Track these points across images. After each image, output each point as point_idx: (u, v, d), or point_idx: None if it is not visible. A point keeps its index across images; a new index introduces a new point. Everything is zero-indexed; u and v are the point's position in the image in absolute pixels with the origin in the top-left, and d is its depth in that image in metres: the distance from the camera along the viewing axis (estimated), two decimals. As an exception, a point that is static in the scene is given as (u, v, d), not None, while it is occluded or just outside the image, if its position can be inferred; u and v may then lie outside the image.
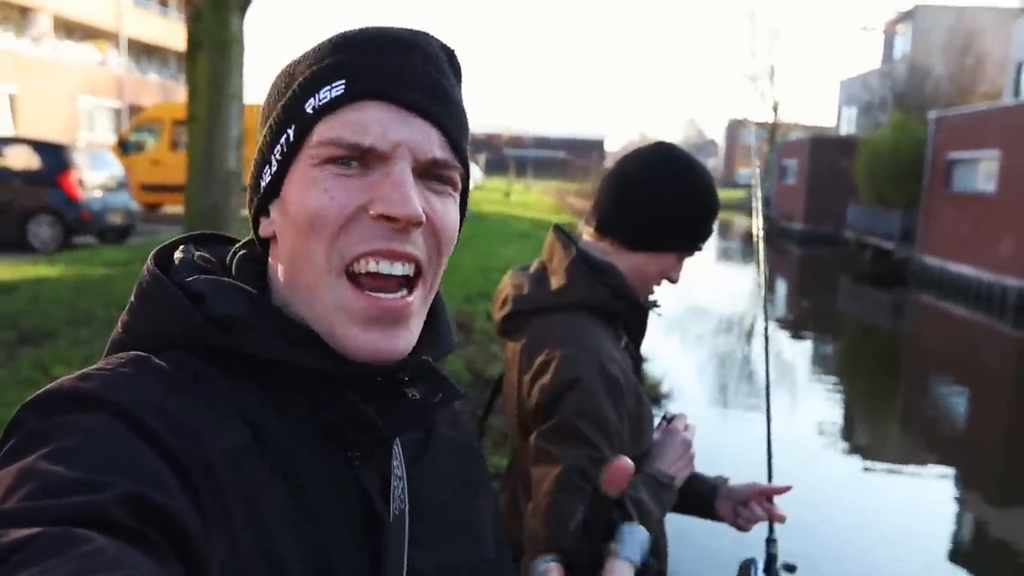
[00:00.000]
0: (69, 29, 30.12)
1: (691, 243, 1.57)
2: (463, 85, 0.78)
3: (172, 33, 33.22)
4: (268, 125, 0.74)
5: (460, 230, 0.78)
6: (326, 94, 0.69)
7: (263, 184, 0.74)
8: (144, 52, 34.89)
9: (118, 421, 0.57)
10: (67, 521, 0.48)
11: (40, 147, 12.80)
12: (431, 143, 0.70)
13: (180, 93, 31.35)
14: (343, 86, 0.69)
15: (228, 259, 0.78)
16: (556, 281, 1.55)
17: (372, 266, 0.68)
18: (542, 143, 74.02)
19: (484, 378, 6.14)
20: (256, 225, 0.77)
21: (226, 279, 0.72)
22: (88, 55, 30.29)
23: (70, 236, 12.81)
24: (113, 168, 13.87)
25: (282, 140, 0.71)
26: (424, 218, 0.68)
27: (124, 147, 18.21)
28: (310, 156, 0.69)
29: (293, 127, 0.70)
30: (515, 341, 1.57)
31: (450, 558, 0.80)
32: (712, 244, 29.92)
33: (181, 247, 0.77)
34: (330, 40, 0.73)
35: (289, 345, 0.68)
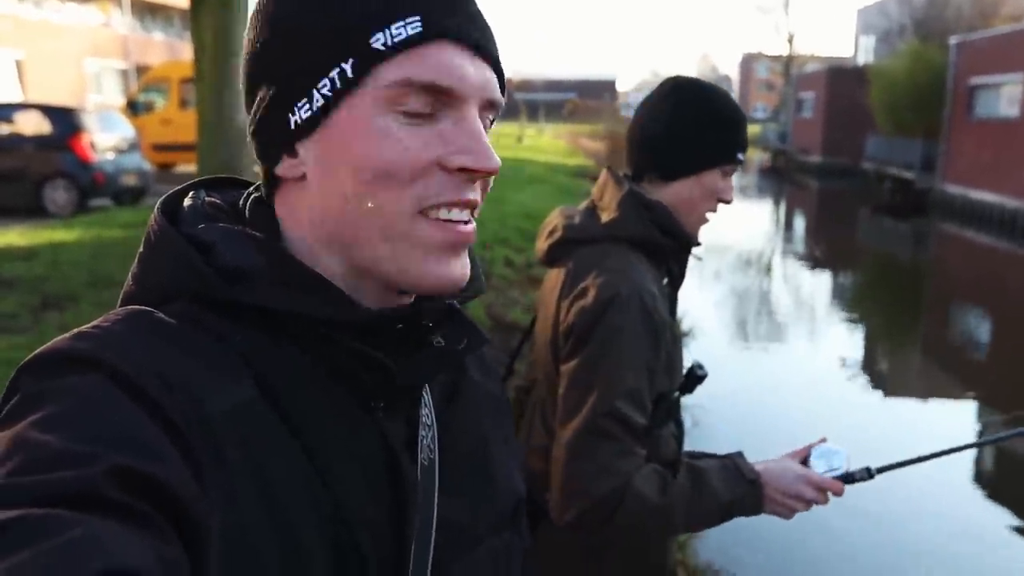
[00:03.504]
0: (71, -10, 29.83)
1: (724, 155, 1.56)
2: None
3: (174, -10, 32.83)
4: (297, 48, 0.66)
5: None
6: (400, 31, 0.63)
7: (296, 120, 0.66)
8: (148, 11, 34.52)
9: (112, 383, 0.54)
10: (54, 500, 0.46)
11: (50, 111, 12.74)
12: (492, 85, 0.68)
13: (186, 51, 31.03)
14: (419, 23, 0.64)
15: (241, 203, 0.74)
16: (607, 215, 1.58)
17: (445, 213, 0.67)
18: (553, 86, 73.12)
19: (503, 324, 6.15)
20: (273, 163, 0.70)
21: (236, 227, 0.68)
22: (92, 16, 30.03)
23: (85, 199, 12.83)
24: (124, 129, 13.81)
25: (332, 74, 0.64)
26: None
27: (133, 108, 18.13)
28: (375, 97, 0.64)
29: (351, 62, 0.64)
30: (558, 269, 1.61)
31: (484, 503, 0.78)
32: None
33: (191, 194, 0.73)
34: None
35: (302, 295, 0.65)
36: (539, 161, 24.36)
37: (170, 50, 33.05)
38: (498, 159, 0.67)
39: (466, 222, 0.69)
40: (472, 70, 0.66)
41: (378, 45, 0.63)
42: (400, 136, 0.64)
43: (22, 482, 0.47)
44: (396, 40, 0.63)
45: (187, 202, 0.72)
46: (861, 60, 40.54)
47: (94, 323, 0.61)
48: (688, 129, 1.55)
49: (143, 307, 0.63)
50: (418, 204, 0.66)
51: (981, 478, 6.03)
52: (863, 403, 7.46)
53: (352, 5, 0.64)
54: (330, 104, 0.65)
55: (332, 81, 0.64)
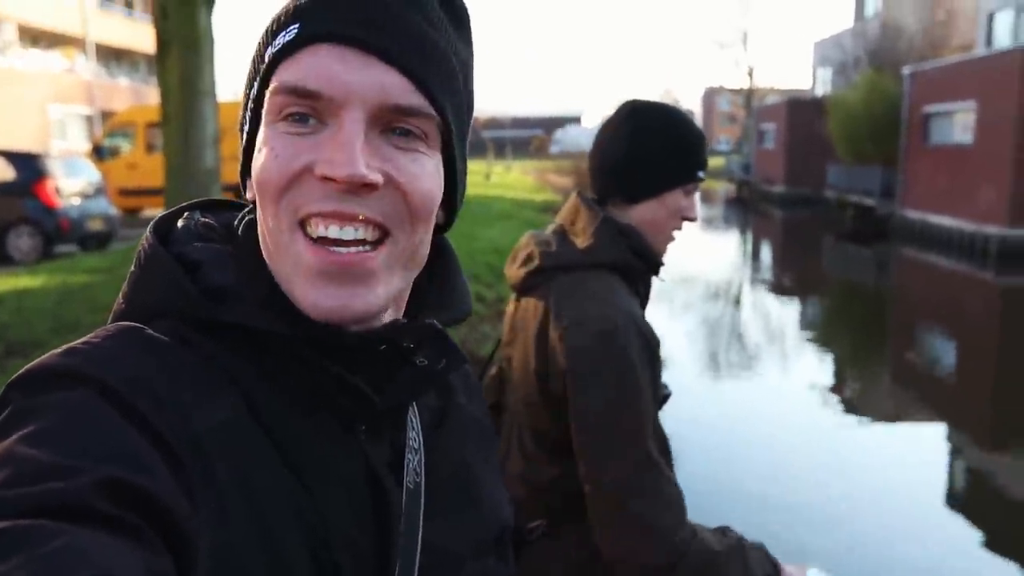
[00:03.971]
0: (35, 37, 29.71)
1: (685, 175, 1.60)
2: (468, 34, 0.73)
3: (139, 35, 32.87)
4: (246, 81, 0.70)
5: (458, 193, 0.75)
6: (280, 39, 0.64)
7: (241, 146, 0.71)
8: (112, 56, 34.48)
9: (100, 398, 0.54)
10: (42, 511, 0.46)
11: (13, 157, 12.62)
12: (392, 88, 0.63)
13: (152, 96, 31.02)
14: (296, 29, 0.64)
15: (236, 223, 0.75)
16: (582, 241, 1.58)
17: (322, 230, 0.63)
18: (520, 123, 73.81)
19: (476, 359, 6.16)
20: (244, 186, 0.73)
21: (224, 247, 0.70)
22: (56, 63, 29.90)
23: (50, 246, 12.68)
24: (89, 174, 13.71)
25: (250, 94, 0.68)
26: (371, 178, 0.62)
27: (99, 153, 18.03)
28: (267, 110, 0.65)
29: (257, 79, 0.67)
30: (537, 297, 1.60)
31: (469, 527, 0.78)
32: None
33: (185, 214, 0.74)
34: None
35: (277, 315, 0.65)
36: (507, 197, 24.51)
37: (135, 95, 32.94)
38: (360, 170, 0.61)
39: (349, 243, 0.64)
40: (352, 73, 0.63)
41: (267, 57, 0.65)
42: (274, 145, 0.64)
43: (8, 495, 0.47)
44: (276, 49, 0.64)
45: (180, 222, 0.73)
46: (819, 91, 41.47)
47: (83, 339, 0.61)
48: (649, 152, 1.58)
49: (132, 323, 0.64)
50: (293, 215, 0.64)
51: (983, 525, 6.09)
52: (834, 428, 7.53)
53: (266, 32, 0.68)
54: (253, 125, 0.68)
55: (249, 101, 0.68)
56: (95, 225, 13.32)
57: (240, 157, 0.72)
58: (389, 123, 0.65)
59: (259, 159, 0.65)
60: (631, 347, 1.45)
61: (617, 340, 1.45)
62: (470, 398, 0.88)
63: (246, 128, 0.70)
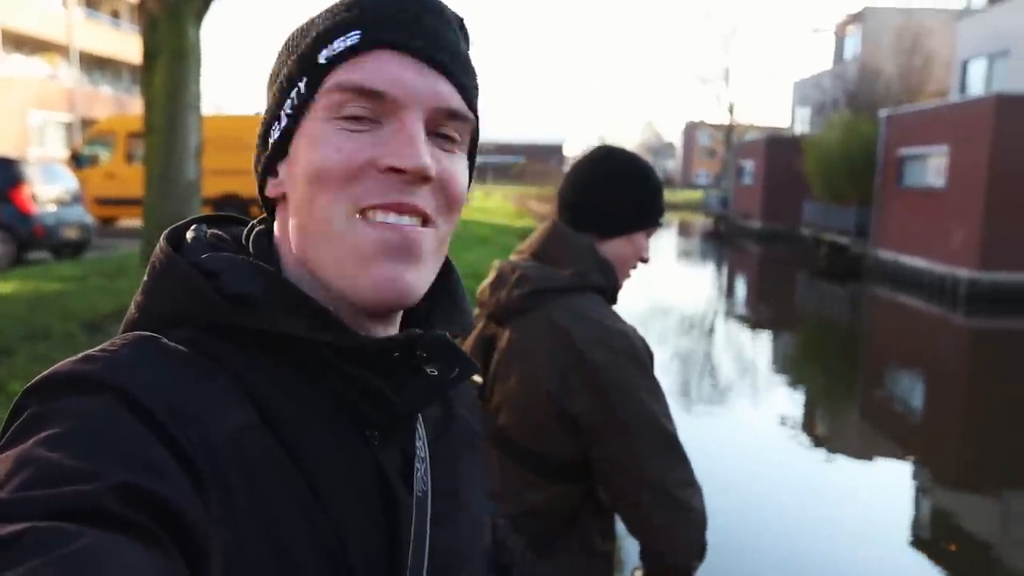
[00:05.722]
0: (18, 43, 29.53)
1: (652, 219, 1.76)
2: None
3: (124, 45, 32.79)
4: (279, 82, 0.73)
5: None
6: (340, 44, 0.69)
7: (271, 141, 0.72)
8: (96, 65, 34.31)
9: (118, 405, 0.55)
10: (59, 514, 0.47)
11: (-10, 162, 12.52)
12: (446, 95, 0.70)
13: (134, 106, 30.93)
14: (358, 35, 0.68)
15: (244, 235, 0.77)
16: (567, 266, 1.67)
17: (381, 217, 0.68)
18: (502, 149, 74.14)
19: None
20: (263, 187, 0.75)
21: (240, 256, 0.70)
22: (38, 69, 29.72)
23: (24, 252, 12.53)
24: (67, 182, 13.58)
25: (293, 94, 0.70)
26: (432, 172, 0.68)
27: (78, 161, 17.88)
28: (321, 108, 0.69)
29: (305, 79, 0.70)
30: (534, 320, 1.63)
31: (467, 540, 0.80)
32: (672, 244, 29.92)
33: (193, 227, 0.75)
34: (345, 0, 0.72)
35: (304, 320, 0.67)
36: (486, 223, 24.59)
37: (117, 104, 32.80)
38: (428, 162, 0.67)
39: (415, 222, 0.69)
40: (413, 77, 0.68)
41: (322, 59, 0.69)
42: (334, 140, 0.68)
43: (29, 496, 0.48)
44: (335, 52, 0.69)
45: (190, 234, 0.74)
46: (798, 130, 42.15)
47: (100, 347, 0.62)
48: (625, 195, 1.72)
49: (148, 333, 0.65)
50: (354, 206, 0.68)
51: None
52: (799, 461, 7.58)
53: (310, 34, 0.71)
54: (292, 122, 0.70)
55: (291, 100, 0.70)
56: (70, 233, 13.19)
57: (262, 157, 0.75)
58: (436, 126, 0.71)
59: (315, 153, 0.68)
60: (646, 358, 1.60)
61: (637, 353, 1.58)
62: (469, 410, 0.90)
63: (280, 127, 0.72)
